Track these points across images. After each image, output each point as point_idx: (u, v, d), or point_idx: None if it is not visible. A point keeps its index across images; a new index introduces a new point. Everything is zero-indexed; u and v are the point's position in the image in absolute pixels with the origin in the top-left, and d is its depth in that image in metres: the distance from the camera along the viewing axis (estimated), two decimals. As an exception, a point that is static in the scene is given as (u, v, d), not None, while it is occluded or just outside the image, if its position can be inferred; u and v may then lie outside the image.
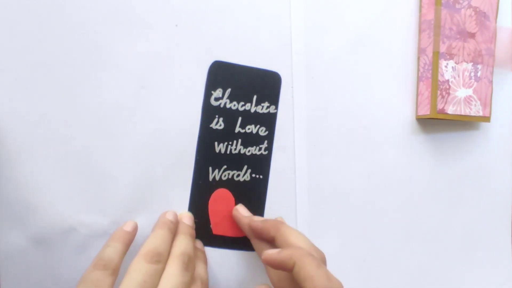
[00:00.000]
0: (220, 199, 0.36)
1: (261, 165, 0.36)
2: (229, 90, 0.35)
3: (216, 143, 0.35)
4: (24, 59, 0.33)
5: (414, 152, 0.42)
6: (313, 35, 0.39)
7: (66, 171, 0.34)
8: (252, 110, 0.36)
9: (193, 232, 0.34)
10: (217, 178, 0.36)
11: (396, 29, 0.42)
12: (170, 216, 0.34)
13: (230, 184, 0.36)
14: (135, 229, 0.33)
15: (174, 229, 0.33)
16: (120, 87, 0.35)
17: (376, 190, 0.39)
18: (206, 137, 0.35)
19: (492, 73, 0.44)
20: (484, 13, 0.44)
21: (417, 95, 0.43)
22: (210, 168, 0.35)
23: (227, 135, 0.36)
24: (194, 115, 0.36)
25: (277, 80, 0.37)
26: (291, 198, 0.39)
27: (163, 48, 0.36)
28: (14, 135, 0.33)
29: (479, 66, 0.44)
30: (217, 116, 0.35)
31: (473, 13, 0.43)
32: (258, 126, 0.36)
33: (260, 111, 0.36)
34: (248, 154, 0.36)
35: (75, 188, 0.34)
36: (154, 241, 0.30)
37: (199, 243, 0.35)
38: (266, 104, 0.36)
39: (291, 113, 0.39)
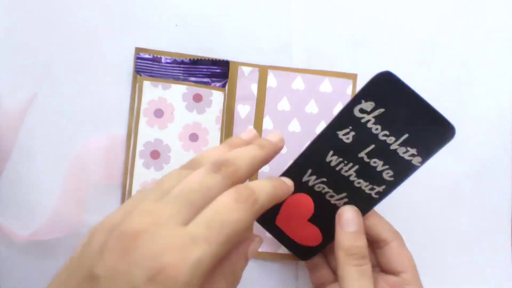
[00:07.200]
0: (300, 203, 0.32)
1: (363, 204, 0.31)
2: (381, 110, 0.28)
3: (331, 152, 0.30)
4: (24, 59, 0.33)
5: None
6: (313, 35, 0.39)
7: (66, 171, 0.34)
8: (392, 147, 0.29)
9: (268, 144, 0.28)
10: (310, 183, 0.31)
11: (398, 26, 0.41)
12: (244, 135, 0.30)
13: (318, 197, 0.31)
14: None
15: (240, 144, 0.29)
16: (120, 87, 0.35)
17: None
18: (326, 140, 0.30)
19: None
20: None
21: None
22: (310, 171, 0.31)
23: (348, 153, 0.30)
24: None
25: (448, 135, 0.28)
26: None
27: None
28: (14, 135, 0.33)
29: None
30: (350, 127, 0.29)
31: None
32: (387, 166, 0.29)
33: (401, 154, 0.29)
34: (356, 185, 0.30)
35: (75, 188, 0.34)
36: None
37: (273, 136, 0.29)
38: (413, 151, 0.29)
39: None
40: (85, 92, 0.34)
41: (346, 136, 0.29)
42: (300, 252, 0.34)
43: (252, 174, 0.26)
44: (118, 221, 0.22)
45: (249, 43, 0.38)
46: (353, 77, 0.38)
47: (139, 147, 0.34)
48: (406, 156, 0.29)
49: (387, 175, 0.30)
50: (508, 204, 0.42)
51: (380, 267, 0.33)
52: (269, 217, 0.33)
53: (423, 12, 0.40)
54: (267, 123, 0.37)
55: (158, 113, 0.34)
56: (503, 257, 0.42)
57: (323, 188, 0.31)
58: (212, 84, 0.36)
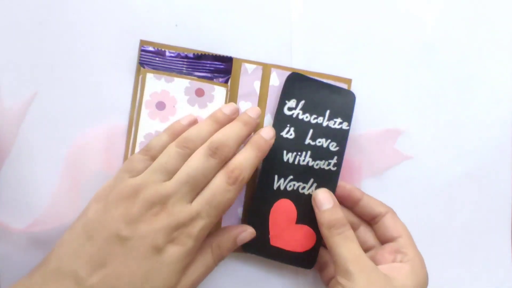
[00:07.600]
0: (282, 210, 0.35)
1: (328, 180, 0.36)
2: (303, 101, 0.36)
3: (285, 152, 0.35)
4: (25, 59, 0.33)
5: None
6: (313, 35, 0.39)
7: (66, 170, 0.34)
8: (324, 124, 0.36)
9: (251, 121, 0.33)
10: (282, 187, 0.35)
11: (398, 28, 0.41)
12: (226, 110, 0.33)
13: (293, 196, 0.35)
14: (191, 123, 0.33)
15: (225, 121, 0.33)
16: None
17: (375, 190, 0.39)
18: (276, 145, 0.34)
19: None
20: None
21: None
22: (276, 177, 0.35)
23: (297, 145, 0.35)
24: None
25: (352, 98, 0.37)
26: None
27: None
28: (14, 134, 0.33)
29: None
30: (288, 125, 0.35)
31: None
32: (329, 140, 0.36)
33: (332, 126, 0.36)
34: (316, 167, 0.35)
35: (75, 188, 0.34)
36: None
37: (266, 131, 0.33)
38: (338, 120, 0.36)
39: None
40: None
41: (289, 133, 0.35)
42: (303, 261, 0.36)
43: (238, 148, 0.32)
44: (131, 194, 0.28)
45: (251, 41, 0.38)
46: (348, 81, 0.39)
47: (140, 138, 0.34)
48: (337, 126, 0.36)
49: (333, 147, 0.36)
50: (508, 204, 0.42)
51: (379, 241, 0.36)
52: (262, 243, 0.35)
53: (422, 15, 0.41)
54: (268, 121, 0.37)
55: (160, 106, 0.34)
56: (503, 257, 0.42)
57: (294, 184, 0.35)
58: (215, 80, 0.36)
